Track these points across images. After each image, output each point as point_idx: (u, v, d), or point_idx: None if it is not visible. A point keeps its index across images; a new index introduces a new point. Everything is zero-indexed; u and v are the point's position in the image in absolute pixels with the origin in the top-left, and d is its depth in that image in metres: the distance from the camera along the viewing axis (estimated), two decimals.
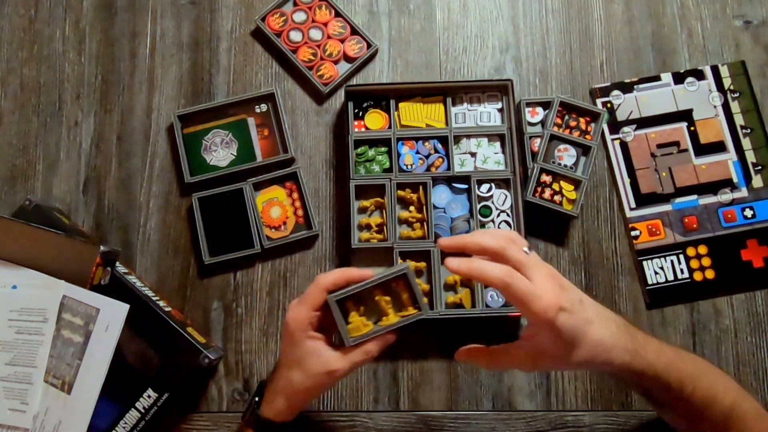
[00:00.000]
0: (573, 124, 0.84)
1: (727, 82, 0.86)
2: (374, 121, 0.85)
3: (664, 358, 0.52)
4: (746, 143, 0.84)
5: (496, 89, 0.85)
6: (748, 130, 0.85)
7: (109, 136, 0.87)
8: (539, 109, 0.85)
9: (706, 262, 0.81)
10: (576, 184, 0.82)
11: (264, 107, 0.87)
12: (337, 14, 0.89)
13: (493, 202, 0.82)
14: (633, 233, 0.82)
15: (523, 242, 0.53)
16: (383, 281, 0.58)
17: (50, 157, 0.86)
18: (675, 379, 0.52)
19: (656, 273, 0.81)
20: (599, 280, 0.81)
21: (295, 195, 0.84)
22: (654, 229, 0.82)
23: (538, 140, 0.83)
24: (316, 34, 0.89)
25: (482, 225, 0.81)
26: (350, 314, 0.59)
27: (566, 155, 0.83)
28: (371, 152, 0.84)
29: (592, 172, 0.83)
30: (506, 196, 0.82)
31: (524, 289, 0.48)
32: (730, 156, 0.84)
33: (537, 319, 0.48)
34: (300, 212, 0.83)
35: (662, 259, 0.81)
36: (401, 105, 0.85)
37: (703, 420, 0.54)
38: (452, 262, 0.51)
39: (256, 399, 0.63)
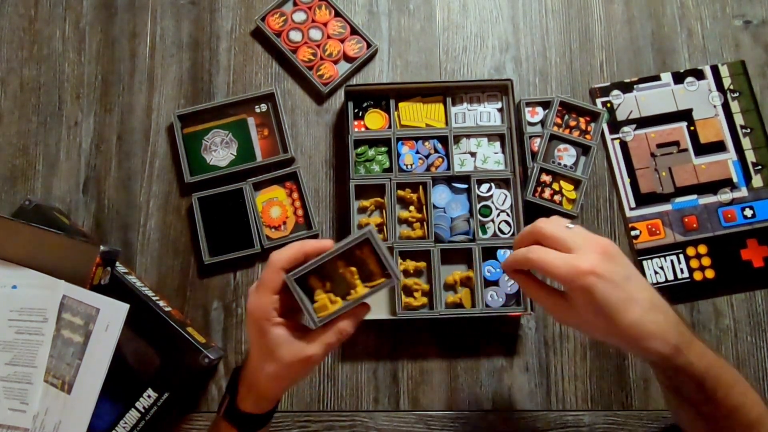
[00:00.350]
0: (573, 123, 0.84)
1: (726, 82, 0.86)
2: (374, 121, 0.85)
3: (705, 360, 0.52)
4: (746, 143, 0.84)
5: (496, 89, 0.85)
6: (748, 130, 0.85)
7: (109, 136, 0.87)
8: (539, 109, 0.85)
9: (706, 261, 0.81)
10: (576, 183, 0.82)
11: (264, 107, 0.87)
12: (337, 14, 0.89)
13: (493, 202, 0.82)
14: (633, 233, 0.82)
15: (563, 220, 0.54)
16: (345, 250, 0.52)
17: (50, 157, 0.86)
18: (710, 383, 0.52)
19: (656, 273, 0.81)
20: None
21: (295, 195, 0.84)
22: (654, 229, 0.82)
23: (538, 140, 0.83)
24: (316, 34, 0.89)
25: (482, 225, 0.81)
26: (316, 292, 0.53)
27: (566, 155, 0.83)
28: (371, 152, 0.84)
29: (591, 172, 0.83)
30: (506, 196, 0.82)
31: (542, 257, 0.50)
32: (730, 156, 0.84)
33: (565, 282, 0.49)
34: (300, 212, 0.83)
35: (662, 258, 0.81)
36: (401, 105, 0.85)
37: (726, 427, 0.54)
38: (503, 264, 0.57)
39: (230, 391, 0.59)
